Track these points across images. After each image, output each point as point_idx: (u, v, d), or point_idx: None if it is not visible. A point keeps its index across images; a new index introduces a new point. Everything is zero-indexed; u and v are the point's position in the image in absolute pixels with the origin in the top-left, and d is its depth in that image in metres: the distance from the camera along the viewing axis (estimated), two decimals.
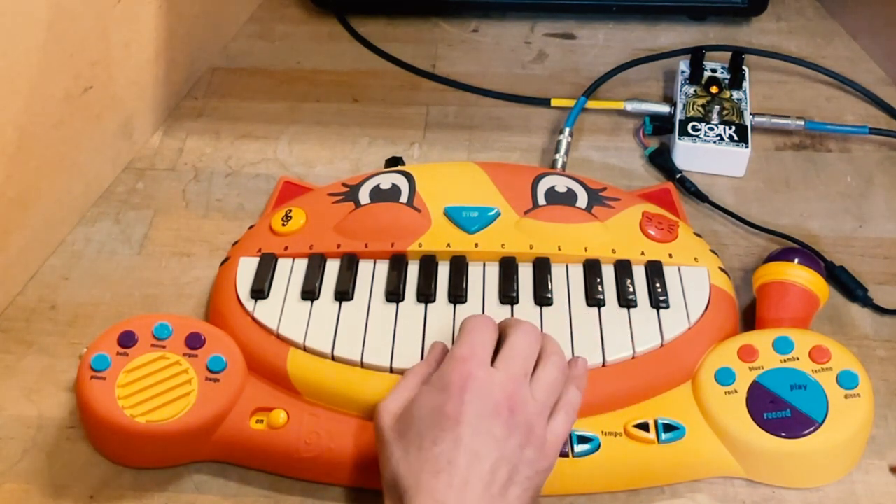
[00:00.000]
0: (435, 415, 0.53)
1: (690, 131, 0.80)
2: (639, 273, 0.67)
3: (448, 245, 0.68)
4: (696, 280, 0.67)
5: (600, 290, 0.65)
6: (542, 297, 0.65)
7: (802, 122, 0.82)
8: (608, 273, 0.67)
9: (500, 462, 0.52)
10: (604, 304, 0.65)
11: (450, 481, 0.51)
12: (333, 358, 0.63)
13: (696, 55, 0.84)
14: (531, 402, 0.55)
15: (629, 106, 0.84)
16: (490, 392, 0.54)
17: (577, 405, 0.58)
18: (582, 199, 0.71)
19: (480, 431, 0.52)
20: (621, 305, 0.65)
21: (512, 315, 0.64)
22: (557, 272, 0.67)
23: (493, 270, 0.67)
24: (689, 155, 0.80)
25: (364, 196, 0.72)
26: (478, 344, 0.56)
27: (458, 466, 0.51)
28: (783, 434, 0.59)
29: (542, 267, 0.67)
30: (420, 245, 0.68)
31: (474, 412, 0.53)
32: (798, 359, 0.61)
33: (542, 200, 0.71)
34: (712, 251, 0.70)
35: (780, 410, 0.59)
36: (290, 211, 0.71)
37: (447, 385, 0.54)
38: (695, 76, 0.84)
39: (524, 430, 0.54)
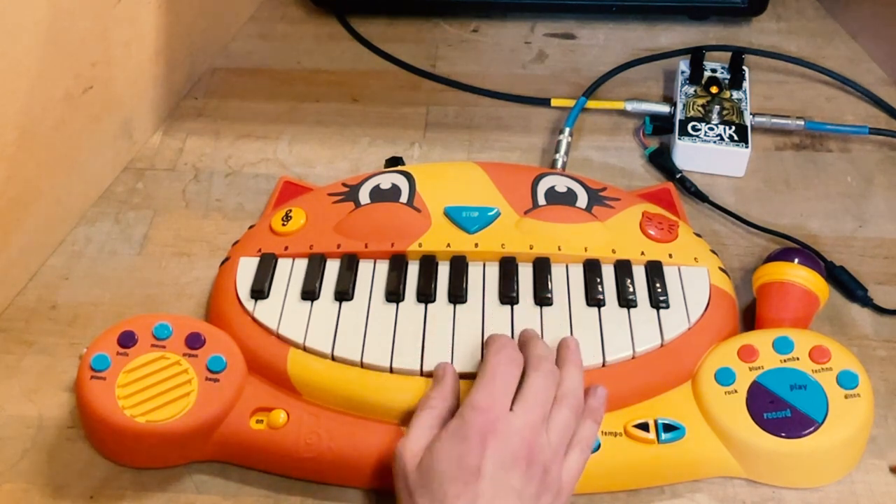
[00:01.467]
0: (455, 467, 0.53)
1: (690, 131, 0.80)
2: (639, 273, 0.67)
3: (448, 245, 0.68)
4: (696, 280, 0.67)
5: (600, 290, 0.65)
6: (542, 297, 0.65)
7: (802, 122, 0.82)
8: (608, 273, 0.67)
9: None
10: (604, 304, 0.65)
11: None
12: (333, 358, 0.63)
13: (696, 55, 0.84)
14: (547, 448, 0.55)
15: (629, 106, 0.84)
16: (510, 442, 0.54)
17: (593, 440, 0.58)
18: (582, 199, 0.71)
19: (500, 485, 0.53)
20: (621, 305, 0.65)
21: (512, 315, 0.64)
22: (557, 272, 0.67)
23: (493, 270, 0.67)
24: (689, 155, 0.80)
25: (364, 196, 0.72)
26: (499, 392, 0.56)
27: None
28: (783, 434, 0.59)
29: (542, 267, 0.67)
30: (420, 245, 0.68)
31: (494, 465, 0.53)
32: (798, 359, 0.61)
33: (542, 200, 0.71)
34: (712, 251, 0.70)
35: (780, 410, 0.59)
36: (290, 211, 0.71)
37: (467, 436, 0.54)
38: (695, 76, 0.84)
39: (540, 477, 0.54)
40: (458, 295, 0.65)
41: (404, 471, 0.55)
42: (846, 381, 0.60)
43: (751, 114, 0.82)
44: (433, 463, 0.54)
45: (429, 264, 0.67)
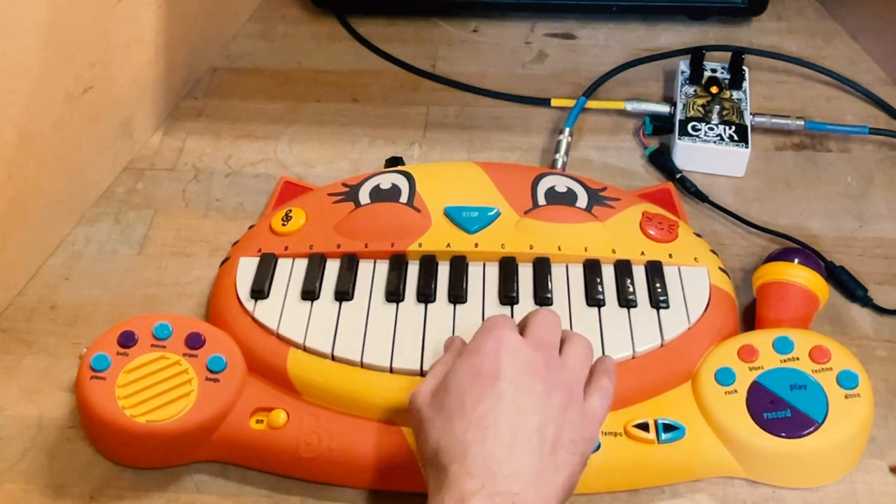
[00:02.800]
0: (473, 377, 0.52)
1: (690, 131, 0.80)
2: (639, 273, 0.67)
3: (448, 245, 0.68)
4: (696, 280, 0.67)
5: (600, 290, 0.65)
6: (542, 297, 0.65)
7: (802, 122, 0.82)
8: (608, 273, 0.67)
9: (546, 420, 0.51)
10: (604, 304, 0.65)
11: (498, 438, 0.49)
12: (333, 358, 0.63)
13: (696, 55, 0.84)
14: (565, 370, 0.54)
15: (629, 106, 0.84)
16: (523, 354, 0.53)
17: (612, 392, 0.56)
18: (582, 199, 0.71)
19: (521, 387, 0.51)
20: (621, 305, 0.65)
21: (512, 315, 0.64)
22: (557, 272, 0.67)
23: (493, 270, 0.67)
24: (689, 155, 0.80)
25: (364, 196, 0.72)
26: (503, 319, 0.56)
27: (504, 423, 0.50)
28: (783, 434, 0.59)
29: (542, 267, 0.67)
30: (420, 245, 0.68)
31: (513, 369, 0.52)
32: (798, 359, 0.61)
33: (542, 200, 0.71)
34: (712, 251, 0.70)
35: (780, 410, 0.59)
36: (290, 211, 0.71)
37: (480, 348, 0.53)
38: (695, 76, 0.84)
39: (563, 389, 0.52)
40: (458, 295, 0.65)
41: (419, 410, 0.53)
42: (846, 381, 0.60)
43: (751, 114, 0.82)
44: (449, 383, 0.52)
45: (429, 264, 0.67)
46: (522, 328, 0.57)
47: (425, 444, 0.52)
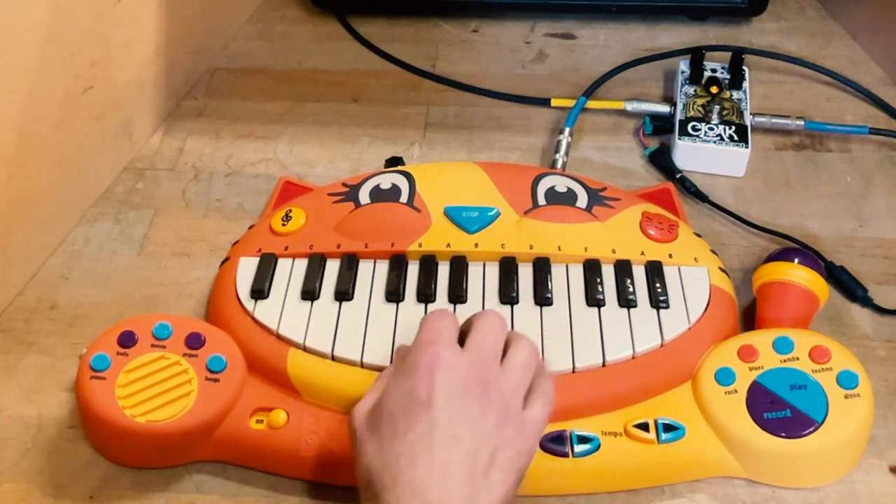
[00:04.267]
0: (406, 400, 0.51)
1: (690, 131, 0.80)
2: (639, 273, 0.67)
3: (448, 245, 0.68)
4: (696, 280, 0.66)
5: (600, 290, 0.65)
6: (542, 297, 0.65)
7: (802, 122, 0.82)
8: (608, 273, 0.67)
9: (480, 443, 0.50)
10: (604, 304, 0.65)
11: (429, 467, 0.48)
12: (333, 358, 0.63)
13: (696, 55, 0.84)
14: (504, 382, 0.52)
15: (629, 106, 0.84)
16: (459, 371, 0.51)
17: (552, 395, 0.55)
18: (582, 199, 0.71)
19: (455, 412, 0.50)
20: (621, 305, 0.65)
21: (512, 315, 0.64)
22: (557, 272, 0.67)
23: (493, 270, 0.67)
24: (689, 155, 0.80)
25: (364, 196, 0.72)
26: (442, 328, 0.54)
27: (436, 450, 0.49)
28: (783, 434, 0.59)
29: (542, 267, 0.67)
30: (420, 245, 0.68)
31: (446, 393, 0.50)
32: (798, 359, 0.61)
33: (542, 200, 0.71)
34: (712, 251, 0.70)
35: (780, 410, 0.59)
36: (290, 211, 0.71)
37: (416, 367, 0.52)
38: (695, 76, 0.84)
39: (500, 408, 0.51)
40: (458, 295, 0.65)
41: (354, 430, 0.52)
42: (846, 381, 0.60)
43: (751, 114, 0.82)
44: (383, 403, 0.51)
45: (429, 264, 0.67)
46: (465, 332, 0.55)
47: (359, 466, 0.51)
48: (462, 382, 0.51)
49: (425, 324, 0.55)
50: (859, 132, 0.82)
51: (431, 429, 0.49)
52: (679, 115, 0.81)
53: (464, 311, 0.64)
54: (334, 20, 0.97)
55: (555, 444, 0.59)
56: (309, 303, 0.65)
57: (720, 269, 0.68)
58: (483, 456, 0.50)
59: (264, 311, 0.65)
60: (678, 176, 0.79)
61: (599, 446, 0.59)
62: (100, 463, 0.63)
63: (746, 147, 0.79)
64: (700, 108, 0.82)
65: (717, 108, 0.81)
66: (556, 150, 0.80)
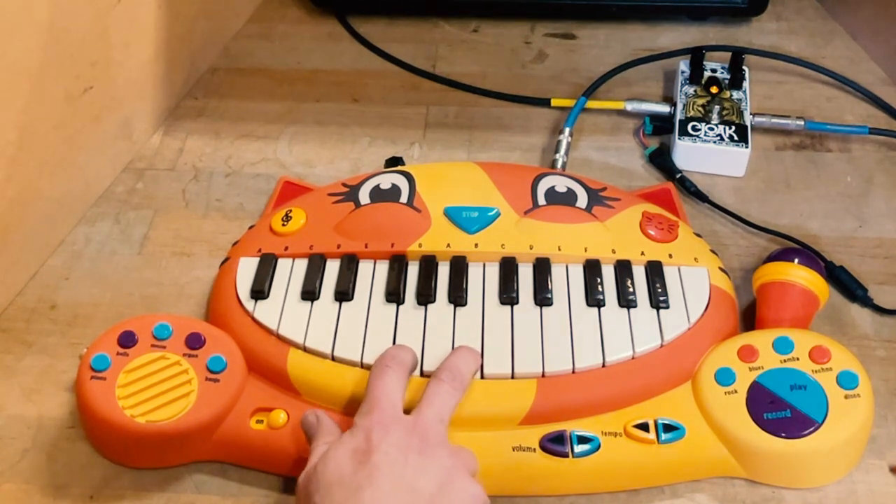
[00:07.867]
0: (339, 478, 0.52)
1: (690, 131, 0.80)
2: (639, 273, 0.67)
3: (448, 245, 0.68)
4: (696, 280, 0.66)
5: (600, 290, 0.65)
6: (542, 298, 0.65)
7: (802, 122, 0.82)
8: (608, 273, 0.67)
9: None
10: (604, 305, 0.65)
11: None
12: (333, 358, 0.63)
13: (696, 55, 0.84)
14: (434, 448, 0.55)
15: (629, 106, 0.84)
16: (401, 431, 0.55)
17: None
18: (582, 199, 0.71)
19: (391, 451, 0.53)
20: (621, 306, 0.65)
21: (512, 315, 0.64)
22: (557, 272, 0.67)
23: (493, 271, 0.67)
24: (689, 155, 0.80)
25: (364, 196, 0.72)
26: (388, 391, 0.57)
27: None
28: (783, 434, 0.59)
29: (542, 267, 0.67)
30: (420, 245, 0.68)
31: (388, 445, 0.54)
32: (798, 359, 0.61)
33: (542, 200, 0.71)
34: (712, 251, 0.70)
35: (780, 410, 0.59)
36: (290, 211, 0.71)
37: (356, 434, 0.55)
38: (695, 76, 0.84)
39: (436, 474, 0.54)
40: (458, 295, 0.65)
41: (297, 496, 0.54)
42: (846, 381, 0.60)
43: (751, 114, 0.82)
44: (325, 466, 0.53)
45: (429, 265, 0.67)
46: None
47: None
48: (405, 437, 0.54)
49: (371, 394, 0.58)
50: (859, 132, 0.82)
51: (371, 475, 0.51)
52: (679, 115, 0.81)
53: (464, 312, 0.64)
54: (334, 20, 0.97)
55: (555, 444, 0.59)
56: (309, 303, 0.65)
57: (720, 269, 0.68)
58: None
59: (264, 311, 0.65)
60: (678, 176, 0.79)
61: (599, 446, 0.59)
62: (100, 463, 0.63)
63: (746, 147, 0.79)
64: (700, 108, 0.82)
65: (717, 108, 0.81)
66: (556, 150, 0.80)
